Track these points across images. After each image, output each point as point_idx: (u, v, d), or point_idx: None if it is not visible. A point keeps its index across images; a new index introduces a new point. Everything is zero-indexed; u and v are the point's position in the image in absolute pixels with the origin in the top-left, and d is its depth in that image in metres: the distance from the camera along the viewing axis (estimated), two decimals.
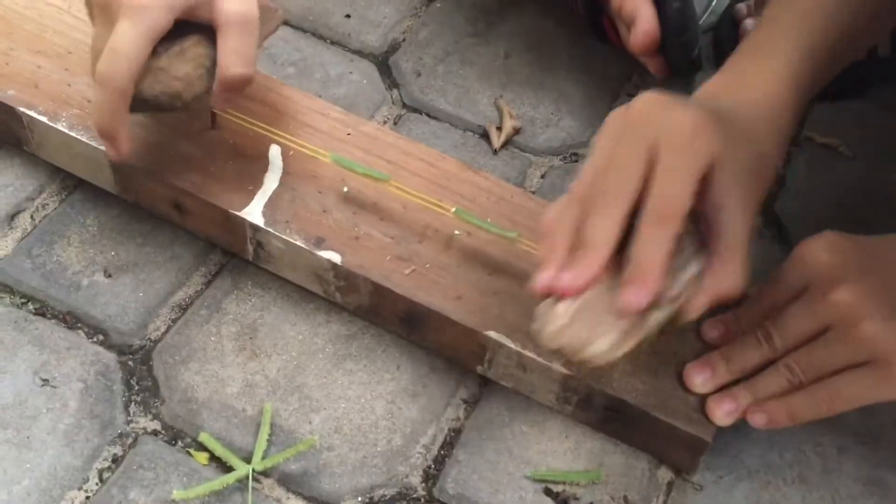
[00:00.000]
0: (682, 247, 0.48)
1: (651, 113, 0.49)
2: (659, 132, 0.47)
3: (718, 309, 0.51)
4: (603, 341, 0.47)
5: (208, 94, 0.54)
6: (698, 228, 0.49)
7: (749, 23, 0.75)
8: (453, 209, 0.58)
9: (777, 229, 0.67)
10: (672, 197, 0.47)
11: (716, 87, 0.54)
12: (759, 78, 0.53)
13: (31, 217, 0.62)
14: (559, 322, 0.47)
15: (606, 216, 0.47)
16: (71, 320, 0.58)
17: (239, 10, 0.52)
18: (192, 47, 0.53)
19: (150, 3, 0.50)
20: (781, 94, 0.53)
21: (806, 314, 0.51)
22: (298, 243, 0.57)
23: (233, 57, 0.52)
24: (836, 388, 0.51)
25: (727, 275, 0.48)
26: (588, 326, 0.47)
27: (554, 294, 0.48)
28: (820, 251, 0.51)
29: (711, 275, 0.48)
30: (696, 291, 0.48)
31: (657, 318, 0.48)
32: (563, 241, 0.48)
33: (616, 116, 0.50)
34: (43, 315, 0.58)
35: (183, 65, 0.53)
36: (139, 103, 0.53)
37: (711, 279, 0.48)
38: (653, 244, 0.46)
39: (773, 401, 0.52)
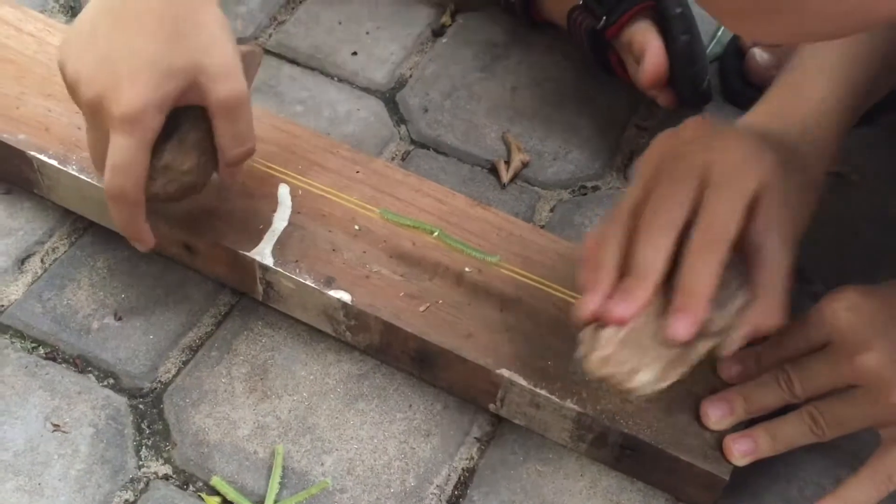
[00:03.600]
0: (728, 279, 0.48)
1: (701, 138, 0.49)
2: (709, 157, 0.47)
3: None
4: (649, 371, 0.47)
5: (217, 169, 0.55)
6: (743, 261, 0.48)
7: (756, 51, 0.75)
8: (435, 233, 0.58)
9: None
10: (721, 223, 0.46)
11: (760, 115, 0.54)
12: (806, 103, 0.53)
13: (42, 261, 0.62)
14: (605, 350, 0.47)
15: (656, 243, 0.47)
16: (81, 364, 0.57)
17: (231, 94, 0.51)
18: (189, 133, 0.52)
19: (140, 111, 0.49)
20: (829, 118, 0.53)
21: (830, 371, 0.50)
22: (308, 283, 0.57)
23: (234, 139, 0.52)
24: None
25: (767, 309, 0.48)
26: (634, 355, 0.47)
27: (600, 321, 0.47)
28: (842, 311, 0.50)
29: (751, 309, 0.48)
30: (736, 325, 0.48)
31: (703, 349, 0.48)
32: (609, 267, 0.47)
33: (664, 140, 0.50)
34: (54, 359, 0.57)
35: (187, 157, 0.52)
36: (157, 202, 0.53)
37: (751, 313, 0.48)
38: (701, 272, 0.46)
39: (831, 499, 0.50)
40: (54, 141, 0.62)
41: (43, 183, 0.63)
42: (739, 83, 0.76)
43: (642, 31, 0.68)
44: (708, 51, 0.78)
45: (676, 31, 0.68)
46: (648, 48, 0.68)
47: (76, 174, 0.60)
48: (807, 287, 0.65)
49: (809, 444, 0.52)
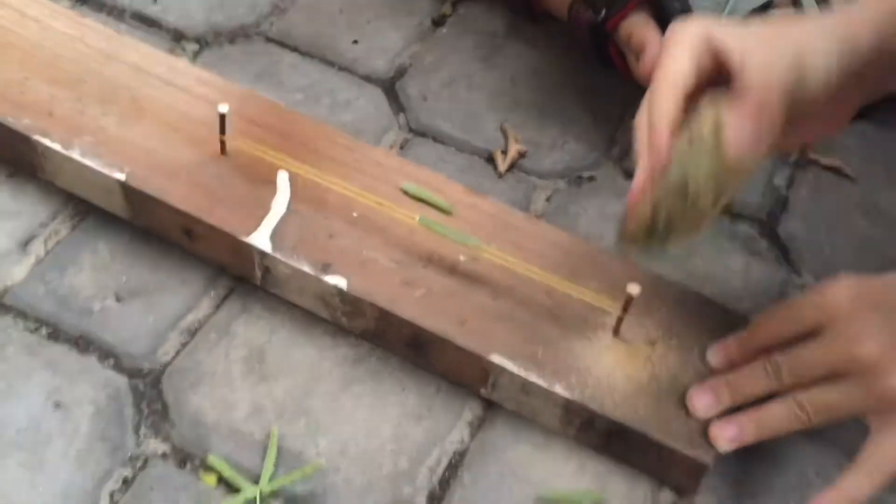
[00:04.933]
0: None
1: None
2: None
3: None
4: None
5: None
6: None
7: None
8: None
9: (781, 251, 0.68)
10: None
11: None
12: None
13: (45, 243, 0.63)
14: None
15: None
16: (83, 344, 0.59)
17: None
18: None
19: None
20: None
21: (823, 357, 0.51)
22: (305, 269, 0.58)
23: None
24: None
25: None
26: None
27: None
28: (842, 298, 0.51)
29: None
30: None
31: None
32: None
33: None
34: (56, 339, 0.59)
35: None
36: None
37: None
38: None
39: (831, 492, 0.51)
40: (58, 126, 0.63)
41: (46, 167, 0.64)
42: None
43: (641, 25, 0.69)
44: None
45: None
46: (649, 42, 0.68)
47: (79, 159, 0.61)
48: (796, 279, 0.66)
49: (794, 432, 0.53)
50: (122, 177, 0.60)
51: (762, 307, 0.58)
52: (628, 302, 0.54)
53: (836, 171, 0.72)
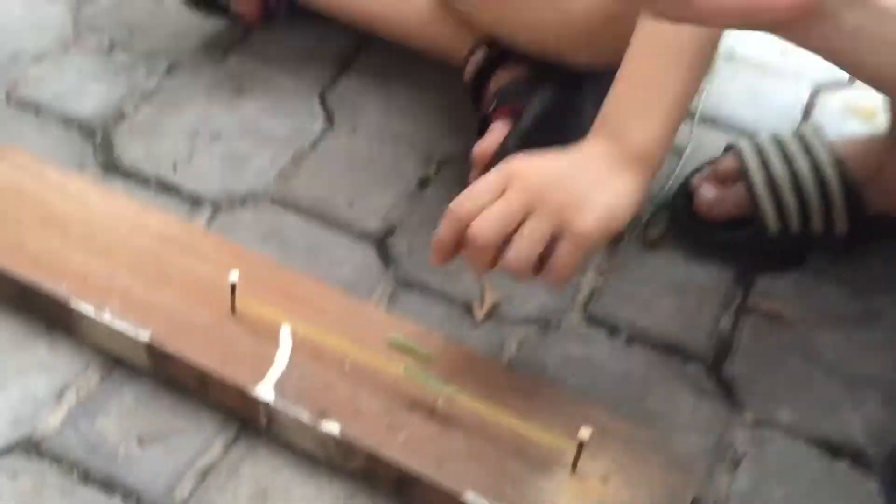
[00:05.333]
0: None
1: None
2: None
3: None
4: None
5: None
6: None
7: (701, 190, 0.85)
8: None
9: (725, 390, 0.76)
10: None
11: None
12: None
13: (77, 393, 0.72)
14: None
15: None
16: (110, 486, 0.67)
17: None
18: None
19: None
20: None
21: None
22: (303, 417, 0.66)
23: None
24: None
25: None
26: None
27: None
28: None
29: None
30: None
31: None
32: None
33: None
34: (86, 482, 0.67)
35: None
36: None
37: None
38: None
39: None
40: (91, 291, 0.73)
41: (80, 326, 0.73)
42: (689, 220, 0.86)
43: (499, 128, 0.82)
44: (658, 198, 0.88)
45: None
46: (492, 129, 0.82)
47: (108, 322, 0.71)
48: (739, 416, 0.74)
49: None
50: (146, 338, 0.70)
51: (707, 442, 0.66)
52: (581, 444, 0.62)
53: (775, 315, 0.82)
